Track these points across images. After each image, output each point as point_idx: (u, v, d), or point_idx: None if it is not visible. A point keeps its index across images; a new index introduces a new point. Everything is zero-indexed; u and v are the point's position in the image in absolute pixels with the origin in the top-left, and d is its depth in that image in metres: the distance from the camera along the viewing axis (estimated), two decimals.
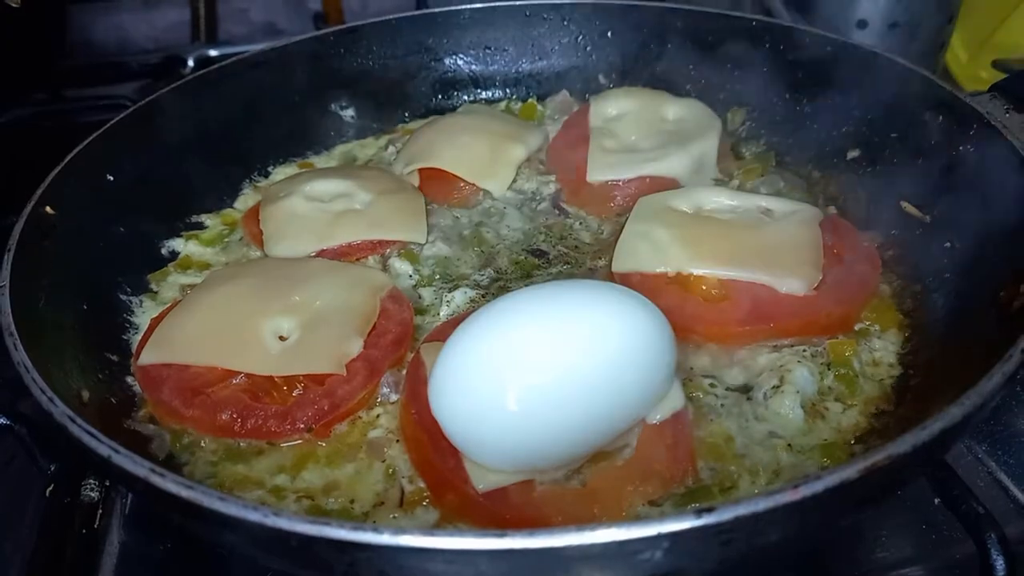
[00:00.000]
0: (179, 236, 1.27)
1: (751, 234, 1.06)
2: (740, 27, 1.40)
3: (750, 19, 1.40)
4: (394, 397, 0.97)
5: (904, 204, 1.14)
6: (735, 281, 1.01)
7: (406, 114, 1.59)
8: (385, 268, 1.18)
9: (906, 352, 1.01)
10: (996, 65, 1.53)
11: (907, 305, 1.06)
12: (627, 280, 1.05)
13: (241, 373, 0.95)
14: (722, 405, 0.95)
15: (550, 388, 0.77)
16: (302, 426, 0.92)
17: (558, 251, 1.22)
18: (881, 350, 1.01)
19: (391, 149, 1.47)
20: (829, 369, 0.97)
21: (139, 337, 1.08)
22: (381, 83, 1.56)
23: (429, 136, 1.39)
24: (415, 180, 1.33)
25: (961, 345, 0.93)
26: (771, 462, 0.88)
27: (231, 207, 1.36)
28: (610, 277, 1.09)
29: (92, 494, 0.94)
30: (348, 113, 1.55)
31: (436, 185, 1.32)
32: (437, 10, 1.58)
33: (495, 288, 1.15)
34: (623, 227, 1.13)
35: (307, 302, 1.02)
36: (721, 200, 1.14)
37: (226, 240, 1.29)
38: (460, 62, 1.60)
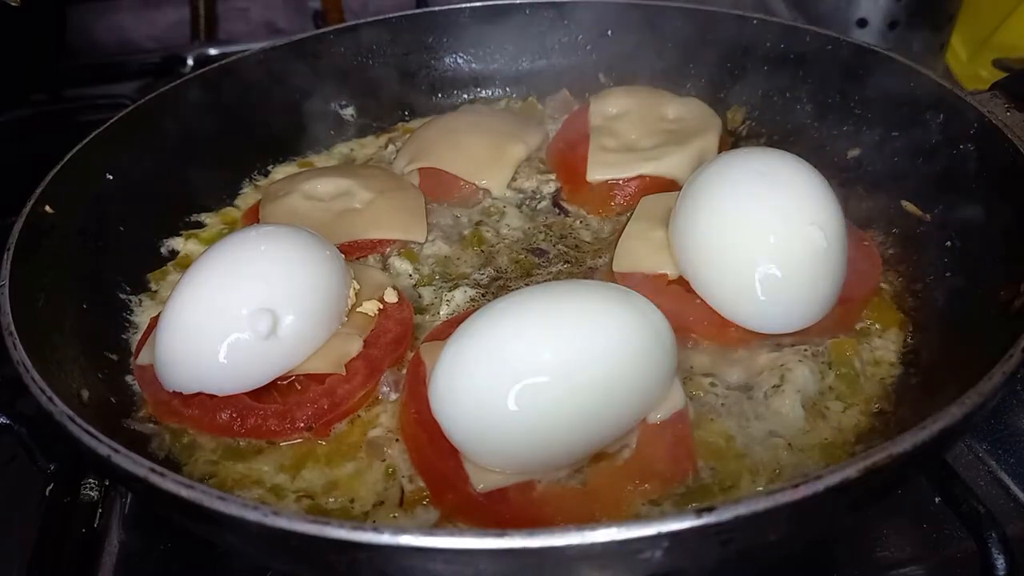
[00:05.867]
0: (178, 235, 1.27)
1: None
2: (740, 26, 1.40)
3: (750, 17, 1.40)
4: (394, 396, 0.97)
5: (905, 203, 1.14)
6: None
7: (406, 113, 1.59)
8: (385, 267, 1.18)
9: (907, 351, 1.00)
10: (996, 64, 1.53)
11: (908, 304, 1.06)
12: (628, 280, 1.05)
13: None
14: (722, 404, 0.94)
15: (550, 388, 0.77)
16: (302, 425, 0.92)
17: (558, 250, 1.22)
18: (882, 349, 1.01)
19: (391, 148, 1.47)
20: (830, 368, 0.97)
21: (138, 336, 1.08)
22: (381, 82, 1.56)
23: (429, 135, 1.39)
24: (415, 179, 1.33)
25: (962, 344, 0.93)
26: (771, 461, 0.88)
27: (231, 206, 1.36)
28: (610, 276, 1.09)
29: (92, 494, 0.94)
30: (348, 112, 1.55)
31: (436, 184, 1.32)
32: (437, 9, 1.58)
33: (495, 287, 1.14)
34: (623, 226, 1.13)
35: None
36: None
37: None
38: (460, 61, 1.60)
